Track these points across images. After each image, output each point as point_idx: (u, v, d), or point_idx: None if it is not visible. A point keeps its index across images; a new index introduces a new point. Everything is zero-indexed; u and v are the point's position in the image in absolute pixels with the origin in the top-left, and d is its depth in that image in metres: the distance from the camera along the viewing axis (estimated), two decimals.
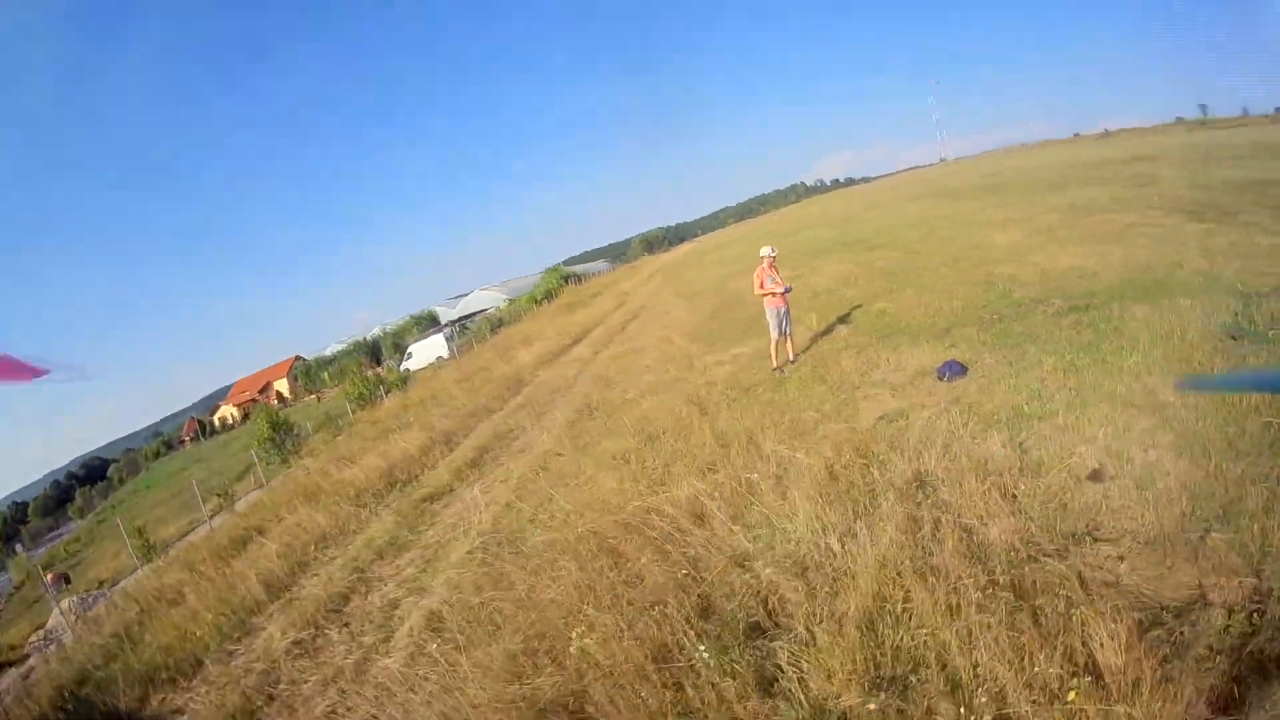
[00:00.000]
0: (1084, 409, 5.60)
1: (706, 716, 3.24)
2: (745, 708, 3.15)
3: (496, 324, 37.50)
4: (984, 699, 2.91)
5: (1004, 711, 2.89)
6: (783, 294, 9.29)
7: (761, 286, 9.35)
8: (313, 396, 50.75)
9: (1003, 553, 3.90)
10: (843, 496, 4.99)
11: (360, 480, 11.33)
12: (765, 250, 9.51)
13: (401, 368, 36.39)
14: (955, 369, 7.57)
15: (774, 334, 9.34)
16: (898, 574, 3.81)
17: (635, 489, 6.11)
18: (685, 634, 3.75)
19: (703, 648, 3.49)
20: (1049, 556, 3.83)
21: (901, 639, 3.43)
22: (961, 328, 9.37)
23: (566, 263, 58.33)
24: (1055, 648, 3.10)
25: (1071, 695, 2.86)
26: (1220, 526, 3.74)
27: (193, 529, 18.50)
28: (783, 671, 3.44)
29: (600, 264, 63.16)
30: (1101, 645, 3.04)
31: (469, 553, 6.63)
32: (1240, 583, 3.32)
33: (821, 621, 3.62)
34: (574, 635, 3.93)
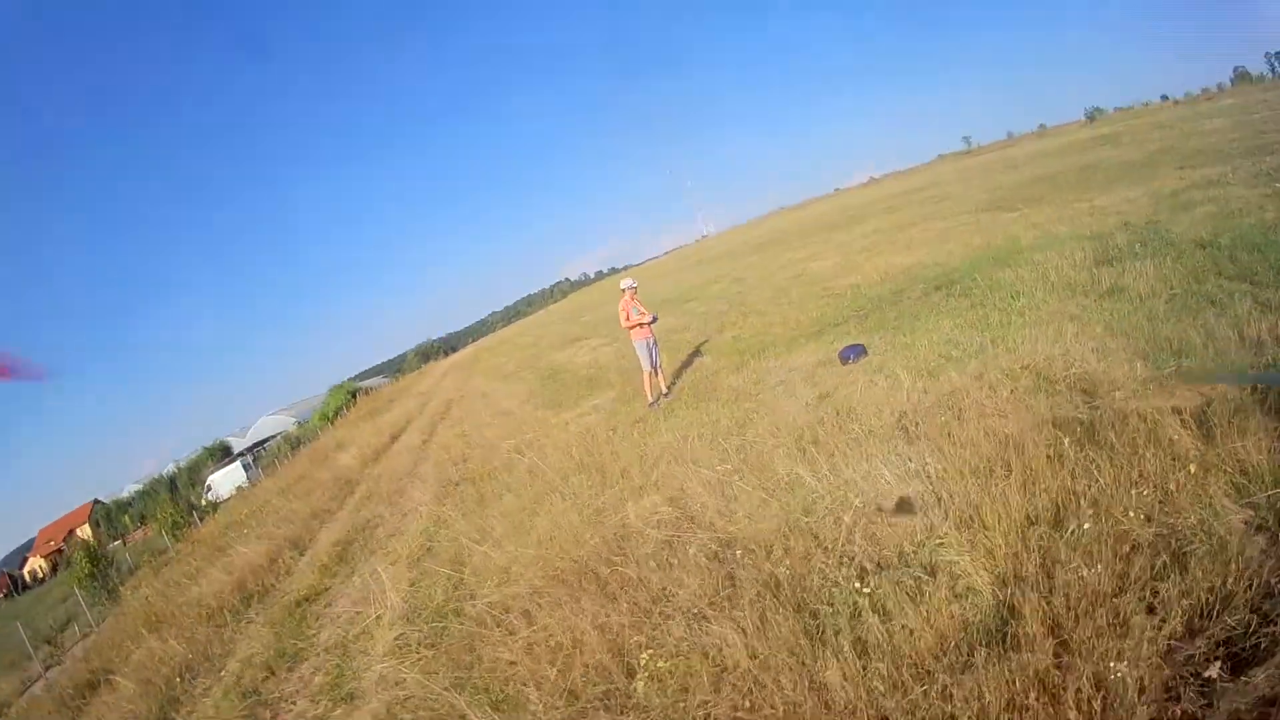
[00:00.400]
0: (1006, 337, 6.85)
1: None
2: None
3: (296, 443, 38.31)
4: None
5: None
6: (650, 323, 9.73)
7: (628, 318, 9.75)
8: (118, 541, 46.77)
9: None
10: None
11: (209, 598, 10.90)
12: (626, 282, 9.98)
13: (205, 499, 36.83)
14: (857, 350, 8.19)
15: (645, 367, 9.66)
16: None
17: (583, 522, 5.90)
18: None
19: None
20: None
21: None
22: (835, 327, 10.48)
23: (347, 381, 59.68)
24: None
25: None
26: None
27: (26, 688, 16.03)
28: None
29: (379, 379, 68.24)
30: None
31: (398, 638, 5.88)
32: None
33: None
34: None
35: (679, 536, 4.88)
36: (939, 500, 4.07)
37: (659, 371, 9.93)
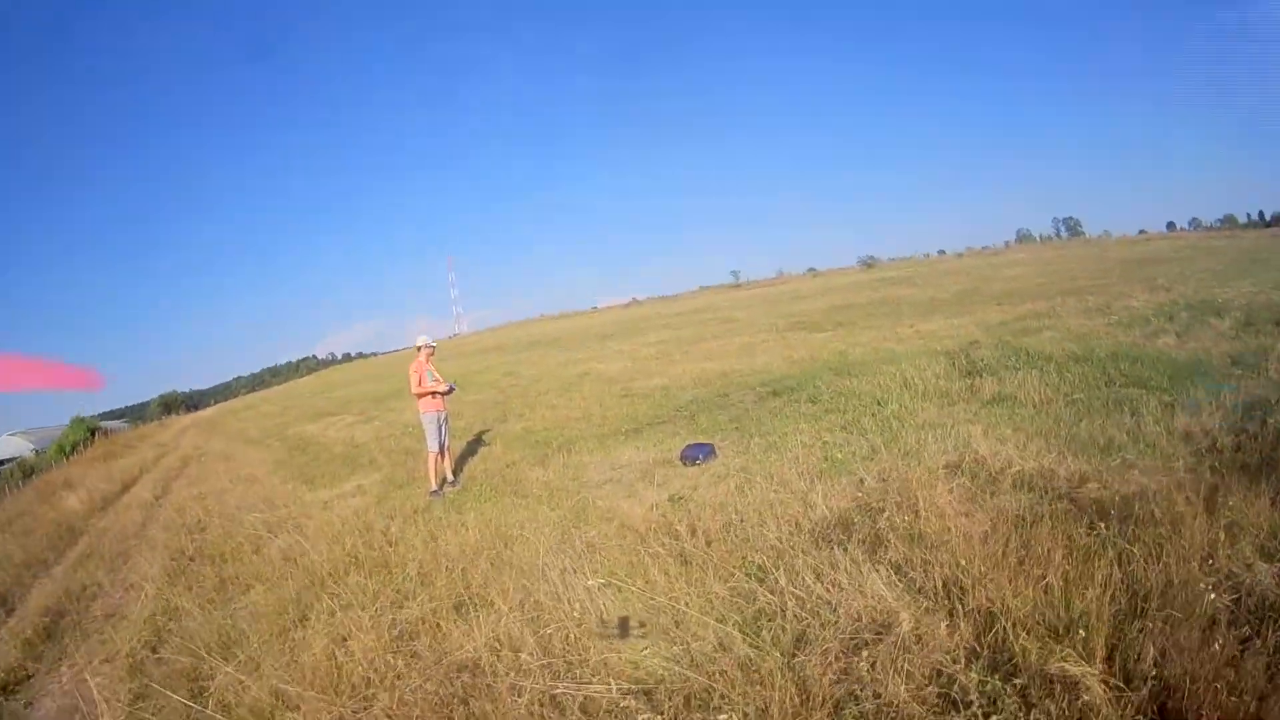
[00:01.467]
0: (898, 440, 7.81)
1: None
2: None
3: (29, 472, 39.88)
4: None
5: None
6: (445, 394, 10.14)
7: (420, 384, 10.05)
8: None
9: None
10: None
11: None
12: (423, 339, 10.30)
13: None
14: (704, 450, 8.79)
15: (431, 446, 9.96)
16: None
17: (385, 646, 5.16)
18: None
19: None
20: None
21: None
22: (654, 426, 11.51)
23: (89, 417, 62.13)
24: None
25: None
26: None
27: None
28: None
29: (119, 423, 72.39)
30: None
31: None
32: None
33: None
34: None
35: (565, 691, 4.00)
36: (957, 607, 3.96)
37: (446, 454, 10.23)
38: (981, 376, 10.25)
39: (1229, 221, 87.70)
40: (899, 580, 4.35)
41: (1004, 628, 3.65)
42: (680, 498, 7.29)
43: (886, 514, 5.35)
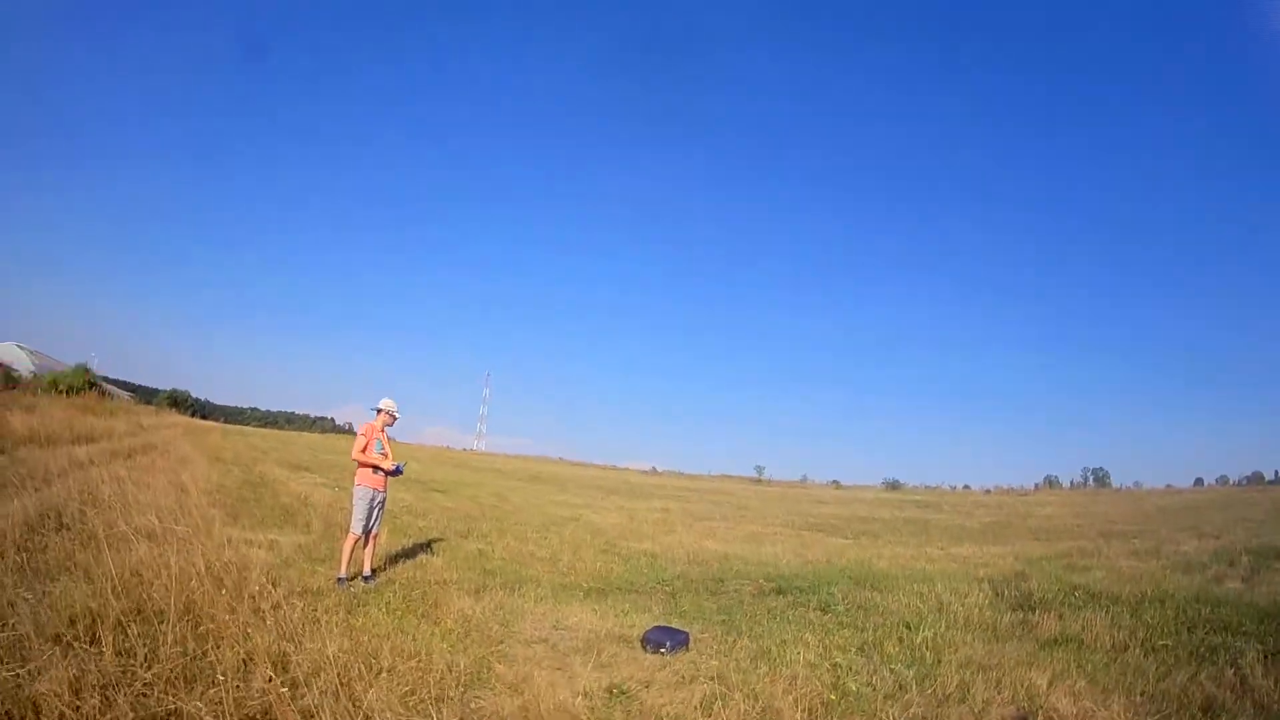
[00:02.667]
0: (934, 676, 6.50)
1: None
2: None
3: (13, 383, 42.14)
4: None
5: None
6: (389, 473, 9.39)
7: (365, 450, 9.29)
8: None
9: None
10: None
11: None
12: (386, 402, 9.62)
13: None
14: (675, 637, 7.34)
15: (355, 528, 9.08)
16: None
17: None
18: None
19: None
20: None
21: None
22: (625, 593, 10.19)
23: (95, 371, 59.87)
24: None
25: None
26: None
27: None
28: None
29: (124, 392, 74.95)
30: None
31: None
32: None
33: None
34: None
35: None
36: None
37: (372, 542, 9.44)
38: (1035, 612, 8.77)
39: (1257, 479, 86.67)
40: None
41: None
42: (623, 692, 5.88)
43: None
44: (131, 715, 4.03)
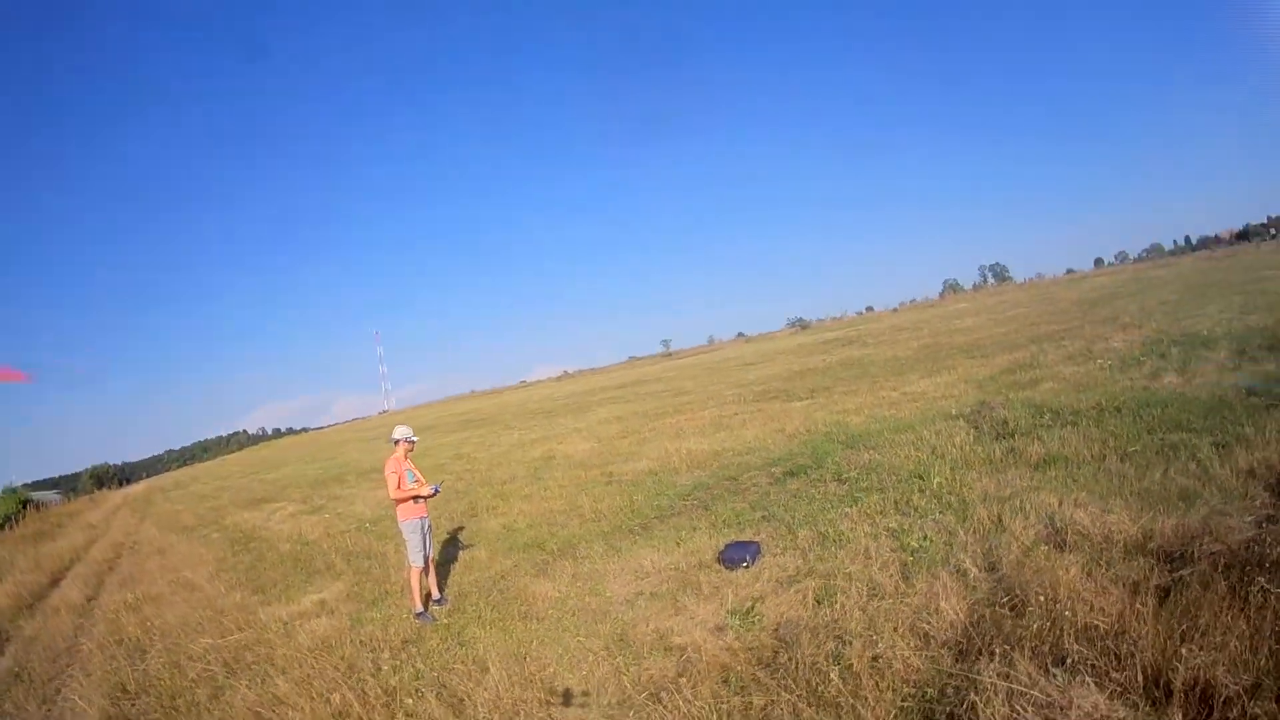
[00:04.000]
0: (968, 520, 7.55)
1: None
2: None
3: None
4: None
5: None
6: (429, 496, 9.46)
7: (400, 485, 9.27)
8: None
9: None
10: None
11: None
12: (401, 431, 9.65)
13: None
14: (749, 550, 8.05)
15: (414, 560, 9.17)
16: None
17: None
18: None
19: None
20: None
21: None
22: (665, 519, 10.82)
23: (21, 488, 63.68)
24: None
25: None
26: None
27: None
28: None
29: (53, 494, 74.94)
30: None
31: None
32: None
33: None
34: None
35: None
36: None
37: (431, 567, 9.47)
38: (1016, 438, 10.15)
39: (1156, 250, 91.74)
40: (1107, 686, 3.91)
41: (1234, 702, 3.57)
42: (747, 612, 6.58)
43: (1030, 607, 4.90)
44: None
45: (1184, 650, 3.90)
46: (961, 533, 7.02)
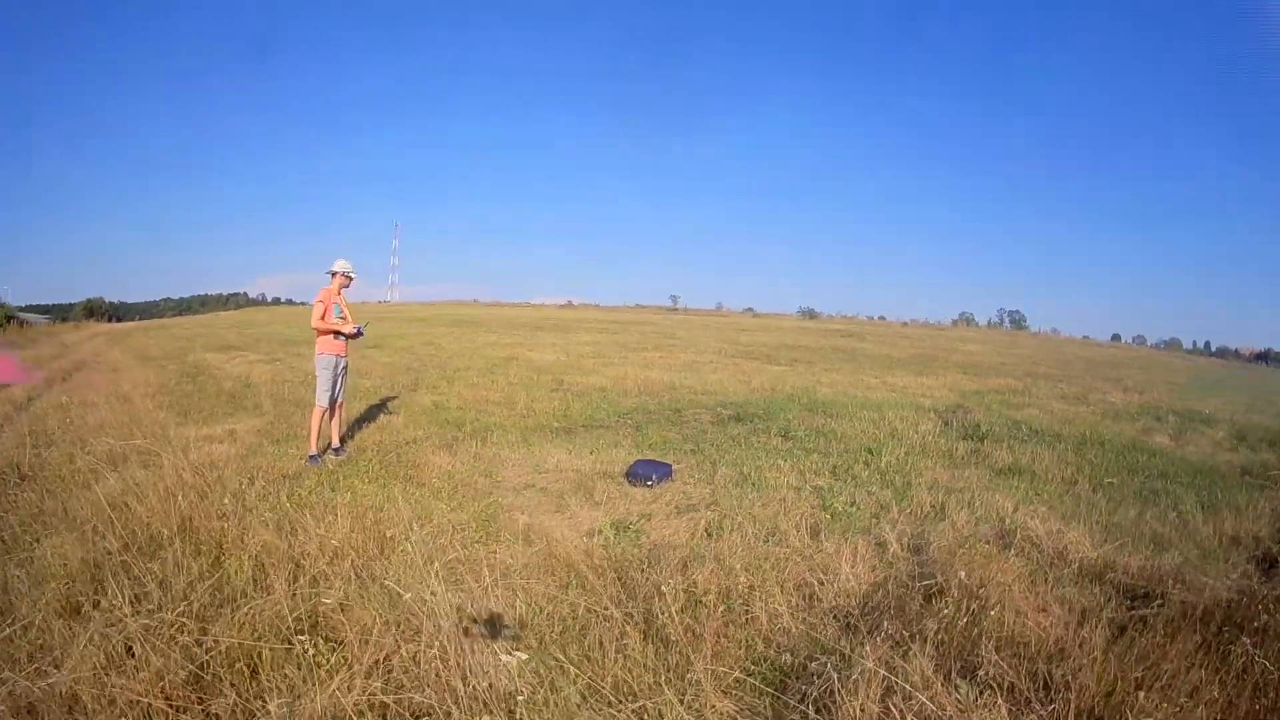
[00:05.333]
0: (907, 498, 6.97)
1: None
2: None
3: None
4: None
5: None
6: (351, 336, 9.20)
7: (324, 316, 9.03)
8: None
9: None
10: None
11: None
12: (342, 263, 9.31)
13: None
14: (659, 470, 7.56)
15: (320, 400, 8.92)
16: None
17: None
18: None
19: None
20: None
21: None
22: (591, 430, 10.47)
23: (8, 305, 65.18)
24: None
25: None
26: None
27: None
28: None
29: (40, 317, 76.12)
30: None
31: None
32: None
33: None
34: None
35: None
36: None
37: (338, 413, 9.28)
38: (984, 442, 9.45)
39: (1174, 344, 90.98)
40: (1026, 716, 3.00)
41: None
42: (628, 526, 6.02)
43: (947, 597, 4.04)
44: (184, 673, 3.56)
45: (1140, 697, 3.04)
46: (895, 509, 6.34)
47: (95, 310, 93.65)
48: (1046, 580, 4.54)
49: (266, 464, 8.53)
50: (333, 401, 9.08)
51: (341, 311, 9.16)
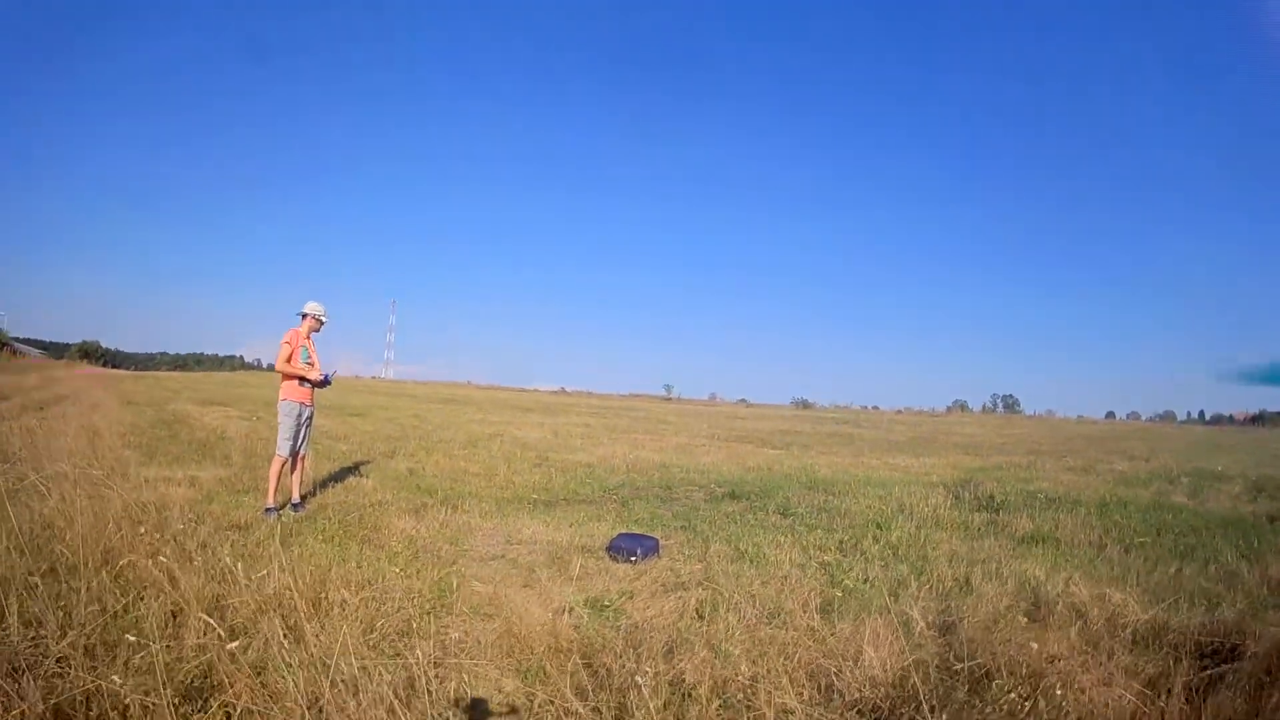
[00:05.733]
0: (925, 573, 6.37)
1: None
2: None
3: None
4: None
5: None
6: (317, 384, 8.81)
7: (290, 360, 8.64)
8: None
9: None
10: None
11: None
12: (312, 306, 8.94)
13: None
14: (644, 544, 6.93)
15: (281, 450, 8.54)
16: None
17: None
18: None
19: None
20: None
21: None
22: (574, 504, 9.91)
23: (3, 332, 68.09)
24: None
25: None
26: None
27: None
28: None
29: (34, 349, 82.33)
30: None
31: None
32: None
33: None
34: None
35: None
36: None
37: (300, 466, 8.87)
38: (1000, 513, 8.88)
39: (1168, 416, 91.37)
40: None
41: None
42: (606, 605, 5.43)
43: (998, 680, 3.46)
44: (42, 706, 3.24)
45: None
46: (914, 584, 5.69)
47: (90, 353, 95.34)
48: (1102, 650, 3.89)
49: (220, 511, 8.16)
50: (294, 453, 8.70)
51: (309, 356, 8.80)
